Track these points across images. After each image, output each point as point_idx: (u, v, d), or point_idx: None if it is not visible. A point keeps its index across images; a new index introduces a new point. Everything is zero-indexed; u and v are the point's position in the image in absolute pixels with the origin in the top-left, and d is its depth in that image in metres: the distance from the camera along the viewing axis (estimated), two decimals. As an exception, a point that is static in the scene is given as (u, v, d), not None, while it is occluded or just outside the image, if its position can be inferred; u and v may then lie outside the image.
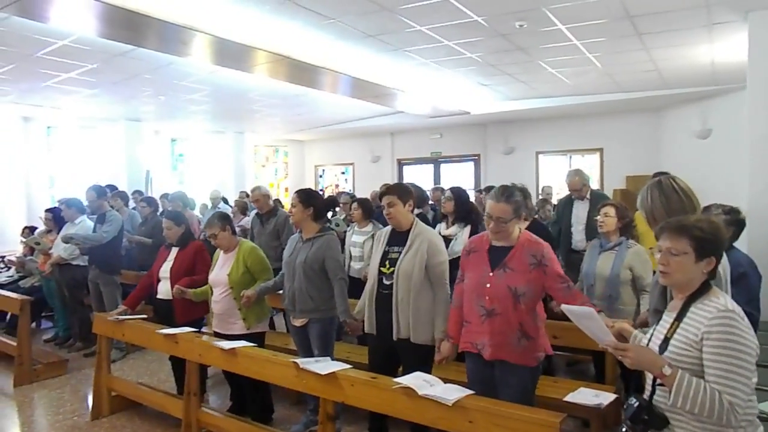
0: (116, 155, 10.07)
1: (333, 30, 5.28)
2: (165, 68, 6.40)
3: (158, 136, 11.37)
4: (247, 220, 6.94)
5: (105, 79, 6.83)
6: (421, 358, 2.96)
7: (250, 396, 3.78)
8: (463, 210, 4.43)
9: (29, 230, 7.14)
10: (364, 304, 3.37)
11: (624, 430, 1.75)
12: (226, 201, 9.35)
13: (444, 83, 7.75)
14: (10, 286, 6.48)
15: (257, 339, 3.66)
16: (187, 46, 5.25)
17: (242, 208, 7.77)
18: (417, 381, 2.44)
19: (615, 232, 3.66)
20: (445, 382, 2.48)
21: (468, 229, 4.33)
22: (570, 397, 2.70)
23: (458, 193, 4.53)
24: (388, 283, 3.06)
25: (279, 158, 13.87)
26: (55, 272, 5.79)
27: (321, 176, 13.93)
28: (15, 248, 7.80)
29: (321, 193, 12.15)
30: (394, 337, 3.00)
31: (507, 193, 2.57)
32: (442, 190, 7.02)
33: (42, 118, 9.43)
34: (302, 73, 6.44)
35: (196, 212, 8.59)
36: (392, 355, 3.09)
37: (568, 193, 5.29)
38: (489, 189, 6.64)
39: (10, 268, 7.19)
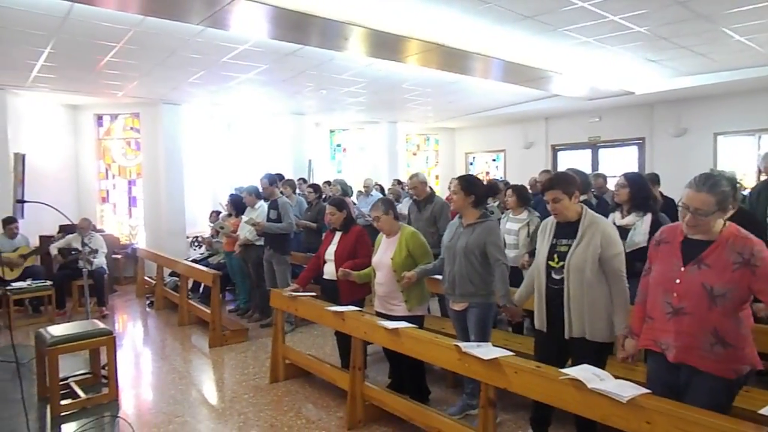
0: (283, 146, 11.05)
1: (489, 14, 5.18)
2: (327, 64, 6.83)
3: (318, 128, 12.25)
4: (399, 207, 7.19)
5: (275, 78, 7.50)
6: (597, 356, 2.77)
7: (408, 375, 3.93)
8: (641, 197, 3.99)
9: (215, 214, 8.20)
10: (522, 293, 3.35)
11: None
12: (382, 189, 9.70)
13: (605, 62, 7.18)
14: (202, 262, 7.52)
15: (417, 321, 3.79)
16: (346, 41, 5.54)
17: (397, 196, 8.06)
18: (586, 374, 2.33)
19: None
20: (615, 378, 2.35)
21: (649, 217, 3.88)
22: (768, 410, 2.39)
23: (634, 179, 4.09)
24: (557, 277, 2.89)
25: (430, 146, 14.08)
26: (242, 251, 6.55)
27: (471, 163, 13.82)
28: (204, 230, 9.00)
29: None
30: (566, 336, 2.84)
31: (711, 181, 2.22)
32: (605, 177, 6.57)
33: (223, 115, 10.69)
34: (453, 60, 6.43)
35: (353, 199, 9.11)
36: (562, 352, 2.91)
37: (765, 178, 4.66)
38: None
39: (201, 246, 8.33)
